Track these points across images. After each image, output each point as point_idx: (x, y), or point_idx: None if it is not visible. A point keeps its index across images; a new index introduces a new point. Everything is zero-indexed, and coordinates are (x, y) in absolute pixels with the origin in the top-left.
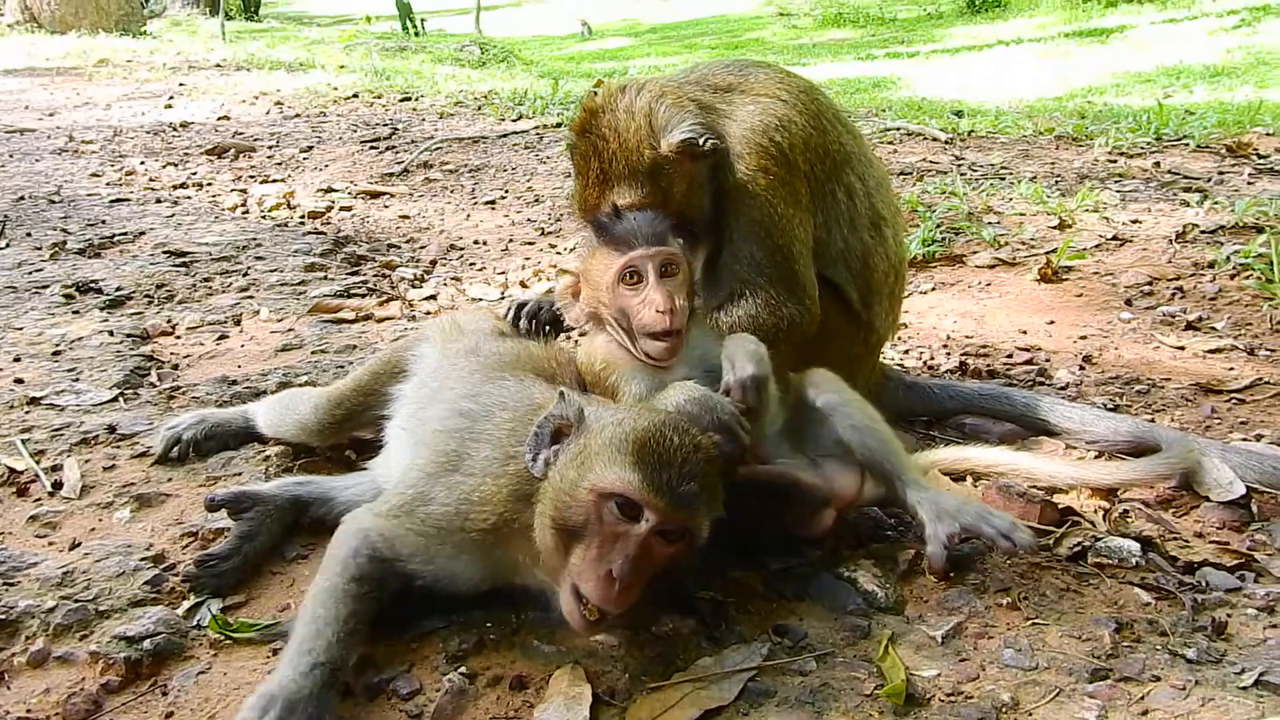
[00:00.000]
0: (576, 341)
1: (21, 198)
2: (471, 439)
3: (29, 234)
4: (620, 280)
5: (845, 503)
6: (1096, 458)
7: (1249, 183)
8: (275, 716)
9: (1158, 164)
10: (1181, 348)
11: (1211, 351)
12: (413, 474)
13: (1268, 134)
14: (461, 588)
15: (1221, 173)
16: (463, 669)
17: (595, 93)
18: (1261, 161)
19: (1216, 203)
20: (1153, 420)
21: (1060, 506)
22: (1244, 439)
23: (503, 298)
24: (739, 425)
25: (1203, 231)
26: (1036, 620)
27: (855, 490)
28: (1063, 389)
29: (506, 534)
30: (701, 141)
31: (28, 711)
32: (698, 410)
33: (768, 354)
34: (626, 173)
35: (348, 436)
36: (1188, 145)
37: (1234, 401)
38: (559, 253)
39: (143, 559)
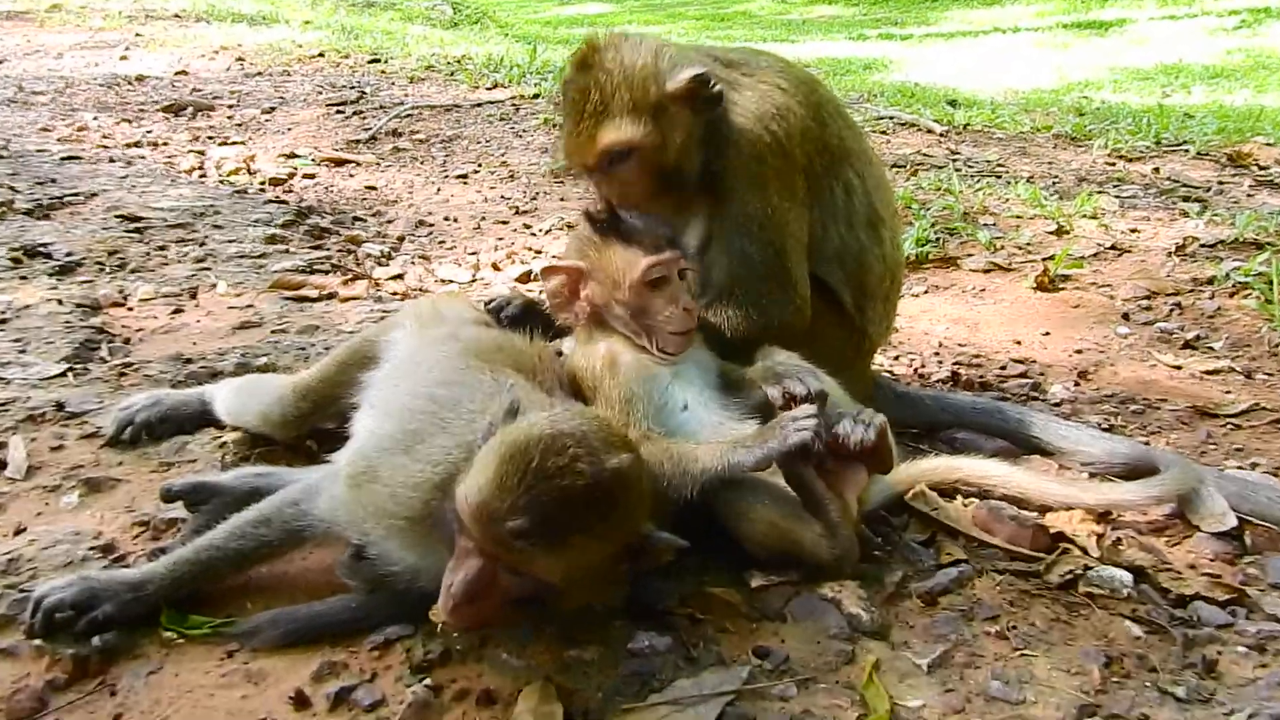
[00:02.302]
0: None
1: None
2: (433, 425)
3: None
4: (646, 280)
5: (858, 490)
6: (1090, 479)
7: (1249, 194)
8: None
9: (1157, 170)
10: (1178, 367)
11: (1209, 373)
12: (371, 443)
13: (1268, 144)
14: (404, 573)
15: (1222, 183)
16: (428, 681)
17: (595, 33)
18: (1262, 173)
19: (1216, 215)
20: (1148, 442)
21: (1052, 531)
22: (1239, 467)
23: (473, 280)
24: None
25: (1202, 245)
26: (1025, 651)
27: (863, 480)
28: (1057, 405)
29: (432, 525)
30: (711, 83)
31: None
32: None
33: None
34: (630, 107)
35: (311, 428)
36: (1188, 151)
37: (1230, 426)
38: (534, 234)
39: (91, 548)
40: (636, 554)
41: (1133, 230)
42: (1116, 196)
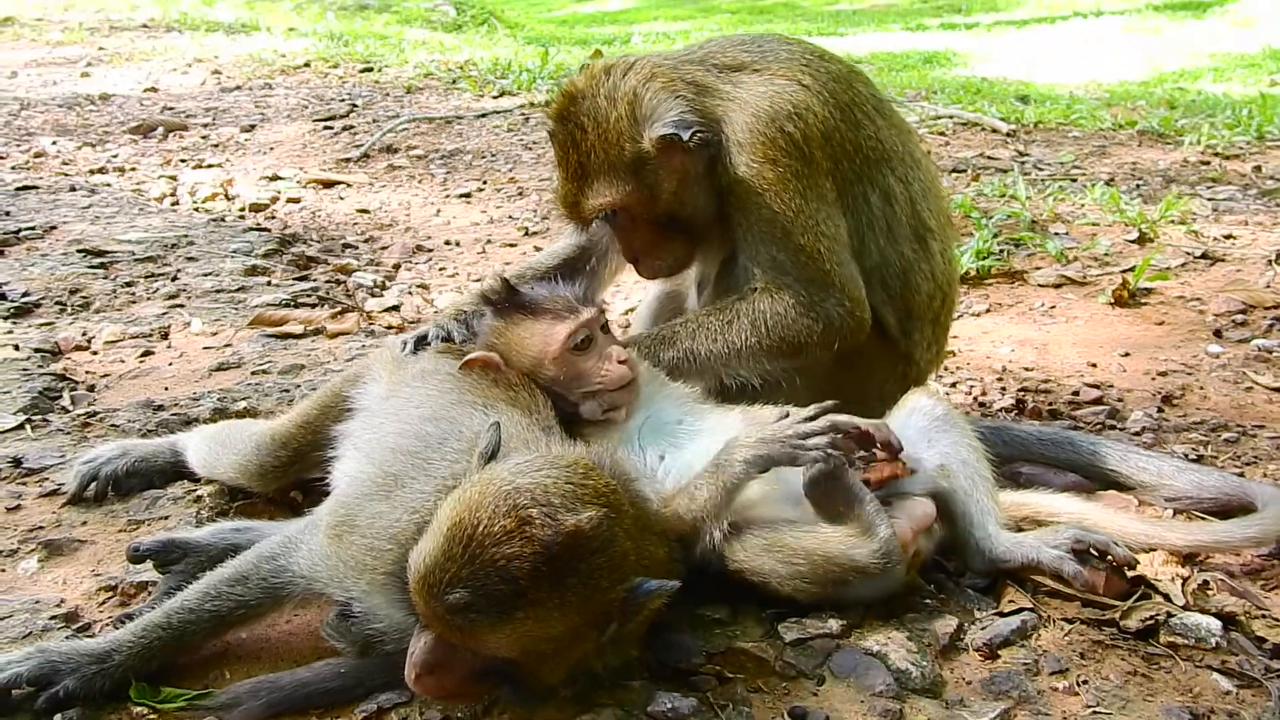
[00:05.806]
0: None
1: None
2: (415, 466)
3: None
4: (570, 348)
5: (922, 527)
6: (1175, 516)
7: None
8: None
9: (1259, 169)
10: (1278, 389)
11: None
12: (351, 490)
13: None
14: (392, 633)
15: None
16: None
17: (580, 72)
18: None
19: None
20: (1242, 474)
21: (1130, 574)
22: None
23: None
24: None
25: None
26: (1098, 709)
27: (931, 517)
28: (1137, 434)
29: None
30: (687, 136)
31: None
32: None
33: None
34: (606, 168)
35: (294, 479)
36: None
37: None
38: None
39: (53, 618)
40: (619, 614)
41: (1227, 236)
42: (1209, 199)
